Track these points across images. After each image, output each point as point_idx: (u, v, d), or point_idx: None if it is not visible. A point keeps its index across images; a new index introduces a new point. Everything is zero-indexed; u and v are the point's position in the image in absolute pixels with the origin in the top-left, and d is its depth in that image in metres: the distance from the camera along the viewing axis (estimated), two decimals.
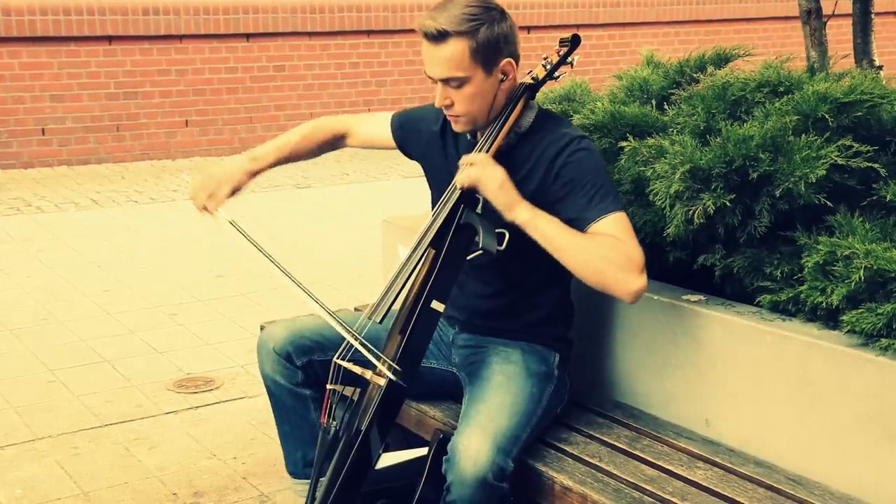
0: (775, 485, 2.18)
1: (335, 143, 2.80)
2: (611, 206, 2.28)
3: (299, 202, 7.22)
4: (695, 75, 2.91)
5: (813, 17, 3.10)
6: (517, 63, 2.36)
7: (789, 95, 2.53)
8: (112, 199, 7.23)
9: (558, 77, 2.44)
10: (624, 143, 2.64)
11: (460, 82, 2.30)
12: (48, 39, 8.02)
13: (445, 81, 2.31)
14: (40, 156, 8.16)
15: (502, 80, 2.33)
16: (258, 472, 3.29)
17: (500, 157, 2.33)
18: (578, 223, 2.28)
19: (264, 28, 8.82)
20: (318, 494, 2.31)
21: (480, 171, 2.25)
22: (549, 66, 2.39)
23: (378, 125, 2.76)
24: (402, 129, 2.71)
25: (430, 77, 2.35)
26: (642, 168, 2.57)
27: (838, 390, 2.15)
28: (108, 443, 3.50)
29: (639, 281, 2.22)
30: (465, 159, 2.30)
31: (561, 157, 2.33)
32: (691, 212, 2.38)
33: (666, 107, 2.82)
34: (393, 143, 2.73)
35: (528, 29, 9.87)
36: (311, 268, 5.58)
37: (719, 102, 2.62)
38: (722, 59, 3.00)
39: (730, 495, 2.14)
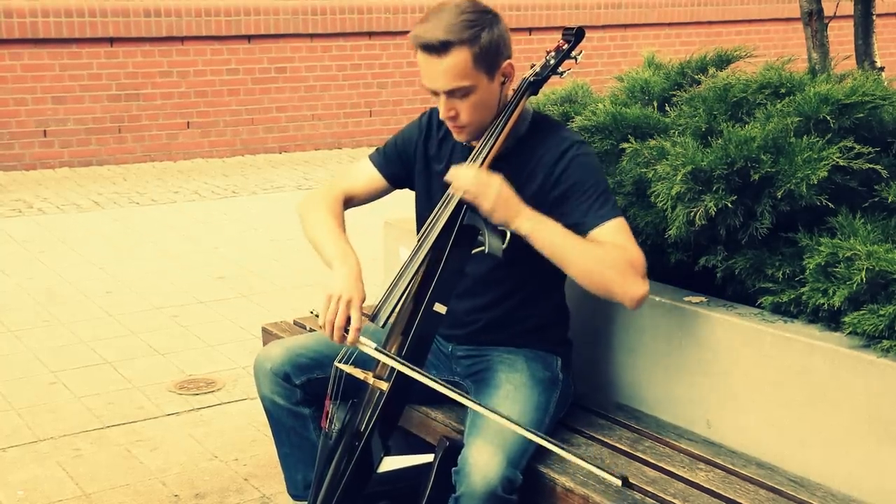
0: (777, 486, 2.18)
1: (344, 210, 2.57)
2: (610, 213, 2.26)
3: None
4: (696, 77, 2.91)
5: (814, 19, 3.09)
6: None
7: (791, 97, 2.53)
8: (113, 201, 7.22)
9: (563, 73, 2.34)
10: (625, 145, 2.63)
11: (465, 92, 2.21)
12: (50, 41, 8.02)
13: (450, 93, 2.22)
14: (42, 157, 8.16)
15: (503, 83, 2.27)
16: (260, 473, 3.28)
17: (498, 162, 2.27)
18: (578, 229, 2.24)
19: (265, 30, 8.82)
20: (319, 498, 2.29)
21: (472, 185, 2.16)
22: (552, 61, 2.30)
23: (368, 176, 2.57)
24: (390, 164, 2.55)
25: (431, 90, 2.24)
26: (644, 169, 2.57)
27: (840, 392, 2.15)
28: (109, 444, 3.50)
29: (642, 287, 2.22)
30: (453, 172, 2.20)
31: (561, 163, 2.28)
32: (693, 213, 2.38)
33: (667, 108, 2.82)
34: (387, 184, 2.56)
35: (530, 31, 9.87)
36: (313, 269, 5.57)
37: (721, 104, 2.62)
38: (723, 61, 3.00)
39: (731, 497, 2.13)
